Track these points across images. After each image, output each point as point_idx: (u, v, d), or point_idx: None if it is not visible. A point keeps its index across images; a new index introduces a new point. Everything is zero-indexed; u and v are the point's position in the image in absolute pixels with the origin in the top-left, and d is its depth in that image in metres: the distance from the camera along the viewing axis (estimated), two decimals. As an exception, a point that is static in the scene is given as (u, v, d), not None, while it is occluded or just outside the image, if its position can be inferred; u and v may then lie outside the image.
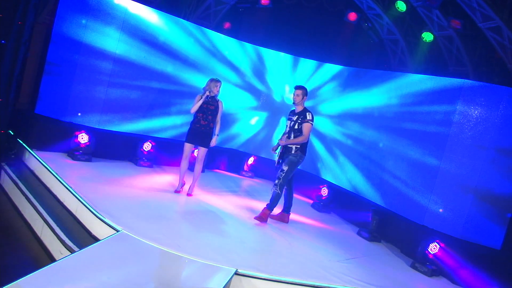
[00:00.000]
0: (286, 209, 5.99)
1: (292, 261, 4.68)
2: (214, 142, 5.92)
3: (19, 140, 6.44)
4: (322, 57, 8.48)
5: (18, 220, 5.07)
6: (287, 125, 5.79)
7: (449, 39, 6.97)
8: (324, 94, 8.45)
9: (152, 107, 7.70)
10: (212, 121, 5.87)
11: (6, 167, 6.02)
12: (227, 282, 3.69)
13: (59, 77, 6.75)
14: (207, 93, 5.78)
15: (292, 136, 5.55)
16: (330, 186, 7.53)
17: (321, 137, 8.37)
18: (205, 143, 5.90)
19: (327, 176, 8.08)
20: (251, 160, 8.84)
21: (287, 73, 8.86)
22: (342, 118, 8.03)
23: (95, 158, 6.70)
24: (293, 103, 5.66)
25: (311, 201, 7.66)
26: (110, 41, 6.93)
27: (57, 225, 4.58)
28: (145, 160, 7.21)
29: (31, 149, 6.19)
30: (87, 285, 3.14)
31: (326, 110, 8.38)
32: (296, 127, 5.53)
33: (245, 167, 8.79)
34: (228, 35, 8.38)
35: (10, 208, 5.35)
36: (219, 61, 8.27)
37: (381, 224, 6.39)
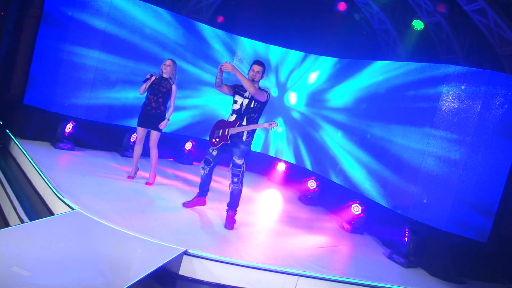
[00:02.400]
0: (204, 193, 5.24)
1: (252, 246, 4.57)
2: (163, 125, 5.60)
3: (7, 130, 6.59)
4: (316, 49, 8.32)
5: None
6: (235, 102, 4.92)
7: (439, 26, 6.72)
8: (316, 87, 8.31)
9: (141, 99, 7.70)
10: (163, 104, 5.59)
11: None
12: (172, 260, 3.63)
13: (47, 68, 6.88)
14: (154, 77, 5.55)
15: (245, 119, 4.83)
16: (318, 178, 7.37)
17: (312, 129, 8.22)
18: (157, 126, 5.63)
19: (315, 169, 7.91)
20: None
21: (281, 66, 8.78)
22: (333, 110, 7.86)
23: (80, 148, 6.78)
24: (252, 80, 4.78)
25: (299, 194, 7.50)
26: (97, 31, 7.01)
27: (22, 207, 4.65)
28: (132, 151, 7.23)
29: (15, 138, 6.32)
30: (27, 255, 3.12)
31: (317, 103, 8.23)
32: (252, 105, 4.83)
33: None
34: (220, 29, 8.38)
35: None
36: (210, 54, 8.28)
37: (365, 215, 6.18)
